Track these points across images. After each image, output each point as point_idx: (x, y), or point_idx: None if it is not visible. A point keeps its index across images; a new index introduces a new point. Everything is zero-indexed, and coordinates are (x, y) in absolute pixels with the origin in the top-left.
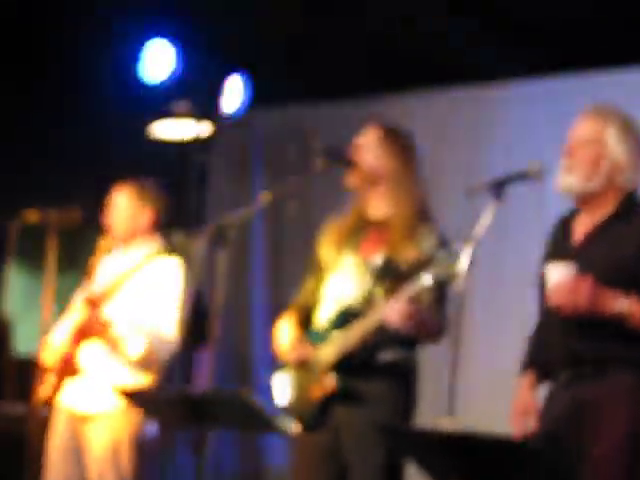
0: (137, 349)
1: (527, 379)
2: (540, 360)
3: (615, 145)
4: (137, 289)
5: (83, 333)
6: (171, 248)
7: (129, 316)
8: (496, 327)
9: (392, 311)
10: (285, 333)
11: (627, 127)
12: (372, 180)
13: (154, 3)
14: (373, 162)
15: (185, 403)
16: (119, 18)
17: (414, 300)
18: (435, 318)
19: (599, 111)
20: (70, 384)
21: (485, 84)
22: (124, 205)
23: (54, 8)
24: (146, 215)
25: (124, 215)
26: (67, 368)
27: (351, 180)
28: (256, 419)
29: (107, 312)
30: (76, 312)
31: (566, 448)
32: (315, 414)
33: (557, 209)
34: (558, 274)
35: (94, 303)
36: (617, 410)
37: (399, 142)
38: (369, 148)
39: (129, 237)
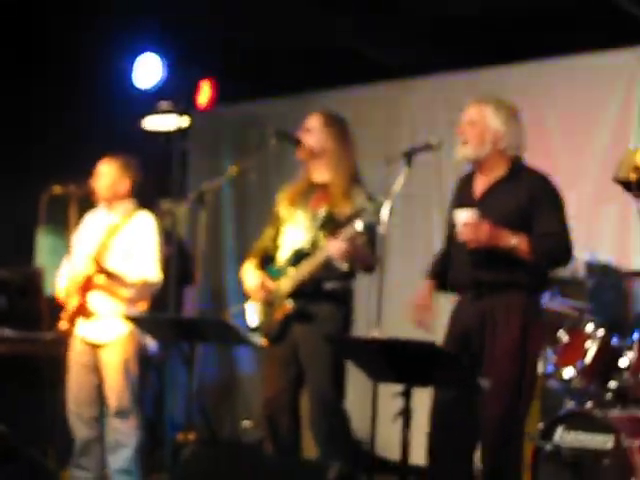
0: (131, 292)
1: (428, 284)
2: (439, 274)
3: (493, 119)
4: (123, 241)
5: (90, 282)
6: (161, 212)
7: (121, 264)
8: (408, 260)
9: (333, 247)
10: (249, 272)
11: (500, 105)
12: (316, 154)
13: (143, 23)
14: (317, 141)
15: (179, 325)
16: (115, 34)
17: (350, 240)
18: (368, 254)
19: (480, 99)
20: (84, 321)
21: (396, 79)
22: (109, 173)
23: (59, 25)
24: (126, 183)
25: (108, 181)
26: (80, 310)
27: (300, 154)
28: (234, 336)
29: (106, 263)
30: (82, 265)
31: (472, 348)
32: (277, 331)
33: (451, 176)
34: (464, 217)
35: (97, 259)
36: (510, 318)
37: (336, 125)
38: (313, 130)
39: (110, 200)
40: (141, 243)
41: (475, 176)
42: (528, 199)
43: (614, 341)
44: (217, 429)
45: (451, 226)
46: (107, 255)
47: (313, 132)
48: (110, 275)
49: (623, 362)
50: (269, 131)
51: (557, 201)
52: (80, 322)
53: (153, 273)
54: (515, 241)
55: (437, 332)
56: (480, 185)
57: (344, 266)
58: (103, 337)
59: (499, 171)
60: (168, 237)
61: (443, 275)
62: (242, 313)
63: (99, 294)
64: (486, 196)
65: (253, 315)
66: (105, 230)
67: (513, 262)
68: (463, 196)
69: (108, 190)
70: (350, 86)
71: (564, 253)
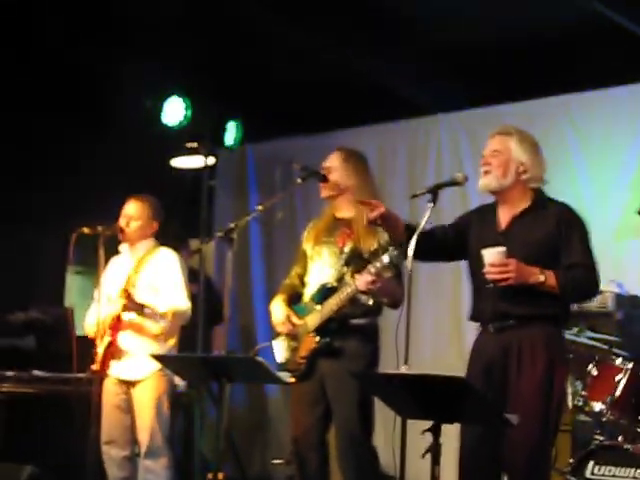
0: (162, 324)
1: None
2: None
3: (517, 150)
4: (148, 276)
5: (120, 321)
6: (190, 251)
7: (149, 298)
8: (436, 296)
9: (361, 281)
10: (277, 310)
11: (524, 137)
12: (340, 191)
13: (170, 62)
14: (339, 178)
15: (206, 364)
16: (144, 73)
17: (378, 274)
18: (395, 288)
19: (502, 130)
20: (116, 361)
21: (420, 115)
22: (139, 215)
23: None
24: (154, 225)
25: (138, 223)
26: (111, 350)
27: (324, 192)
28: (262, 374)
29: (136, 298)
30: (112, 303)
31: (496, 381)
32: (305, 368)
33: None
34: (491, 256)
35: (127, 293)
36: (535, 352)
37: (355, 160)
38: (335, 167)
39: (137, 240)
40: (166, 275)
41: (498, 208)
42: (556, 228)
43: None
44: (247, 468)
45: (475, 262)
46: (134, 291)
47: (334, 169)
48: (141, 307)
49: None
50: (295, 168)
51: (584, 231)
52: (112, 362)
53: (182, 302)
54: (543, 278)
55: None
56: (504, 216)
57: (370, 302)
58: (135, 375)
59: (523, 203)
60: (196, 275)
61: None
62: (270, 350)
63: (129, 333)
64: (511, 227)
65: (280, 352)
66: (130, 268)
67: (537, 295)
68: (486, 227)
69: (137, 232)
70: (375, 123)
71: (592, 285)
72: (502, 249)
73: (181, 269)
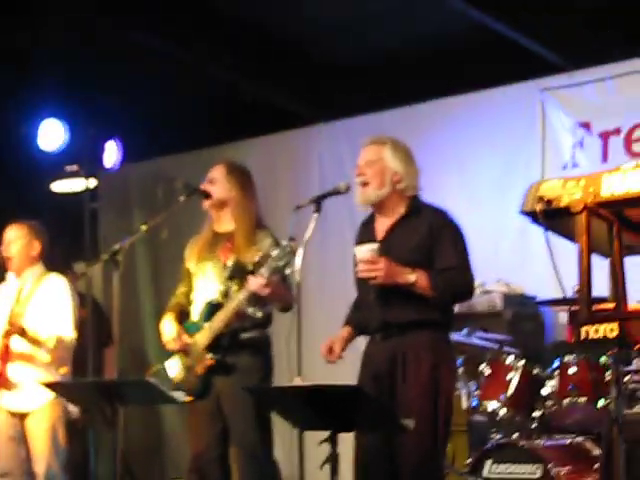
0: (47, 353)
1: (344, 331)
2: (355, 320)
3: (391, 160)
4: (36, 305)
5: (8, 351)
6: (75, 275)
7: (35, 326)
8: (326, 304)
9: (255, 283)
10: (167, 327)
11: (397, 146)
12: (220, 204)
13: (45, 85)
14: (221, 191)
15: (99, 389)
16: (18, 97)
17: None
18: (286, 290)
19: (376, 139)
20: (5, 392)
21: (301, 126)
22: (18, 239)
23: None
24: (36, 247)
25: (18, 247)
26: (0, 381)
27: (205, 205)
28: (157, 395)
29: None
30: None
31: (384, 388)
32: (200, 386)
33: (363, 216)
34: (362, 253)
35: (11, 321)
36: (420, 357)
37: (238, 173)
38: (217, 181)
39: (21, 266)
40: (53, 303)
41: (376, 218)
42: (428, 234)
43: (535, 371)
44: None
45: (355, 266)
46: (21, 320)
47: (216, 182)
48: (25, 333)
49: (545, 391)
50: (178, 186)
51: (456, 235)
52: (1, 393)
53: (67, 331)
54: (414, 277)
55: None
56: (381, 226)
57: (259, 314)
58: (27, 406)
59: (399, 211)
60: (83, 299)
61: (358, 321)
62: (164, 371)
63: (18, 363)
64: (388, 236)
65: (174, 371)
66: (17, 296)
67: (418, 301)
68: (365, 239)
69: (19, 254)
70: (256, 136)
71: (465, 287)
72: (374, 246)
73: (70, 296)
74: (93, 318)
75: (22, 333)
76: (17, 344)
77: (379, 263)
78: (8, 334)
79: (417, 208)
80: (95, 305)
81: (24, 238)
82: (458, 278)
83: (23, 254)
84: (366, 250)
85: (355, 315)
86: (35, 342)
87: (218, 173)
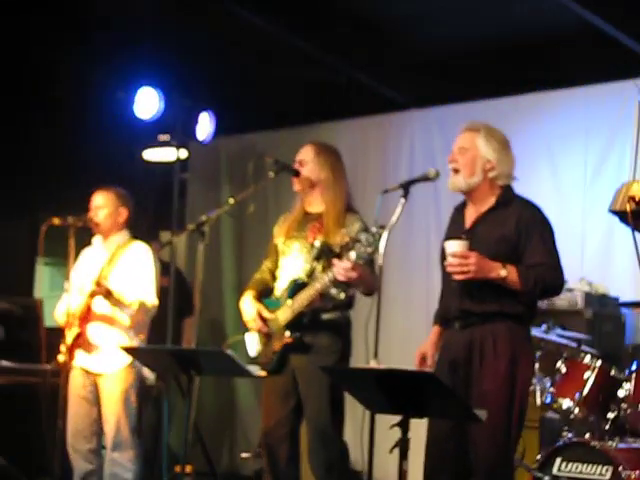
0: (128, 316)
1: (433, 333)
2: (441, 317)
3: (484, 148)
4: (120, 269)
5: (89, 313)
6: (160, 244)
7: (119, 290)
8: (406, 291)
9: (340, 267)
10: (247, 306)
11: (491, 133)
12: (311, 185)
13: (142, 54)
14: (311, 171)
15: (176, 357)
16: (115, 65)
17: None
18: (370, 275)
19: (470, 126)
20: (83, 353)
21: (393, 112)
22: (106, 204)
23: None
24: (123, 213)
25: (106, 212)
26: (79, 342)
27: (296, 186)
28: (233, 367)
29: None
30: (82, 294)
31: (461, 376)
32: (276, 362)
33: (448, 204)
34: (452, 249)
35: (97, 281)
36: (498, 348)
37: (328, 155)
38: (308, 161)
39: (108, 231)
40: (137, 269)
41: (467, 206)
42: (516, 227)
43: (612, 372)
44: (215, 461)
45: (443, 258)
46: (107, 282)
47: (306, 163)
48: (110, 295)
49: (621, 393)
50: (268, 162)
51: (546, 230)
52: (79, 354)
53: (149, 297)
54: (504, 272)
55: None
56: (471, 215)
57: (341, 296)
58: (103, 368)
59: (490, 200)
60: (166, 268)
61: (444, 313)
62: (241, 344)
63: (99, 325)
64: (475, 226)
65: (252, 346)
66: (102, 261)
67: (501, 292)
68: (455, 227)
69: (106, 220)
70: (348, 118)
71: (554, 283)
72: (464, 242)
73: (153, 264)
74: (175, 287)
75: (108, 294)
76: (99, 306)
77: (470, 258)
78: (93, 294)
79: (508, 199)
80: (178, 275)
81: (112, 204)
82: (548, 275)
83: (110, 220)
84: (457, 244)
85: (441, 311)
86: (119, 304)
87: (307, 154)
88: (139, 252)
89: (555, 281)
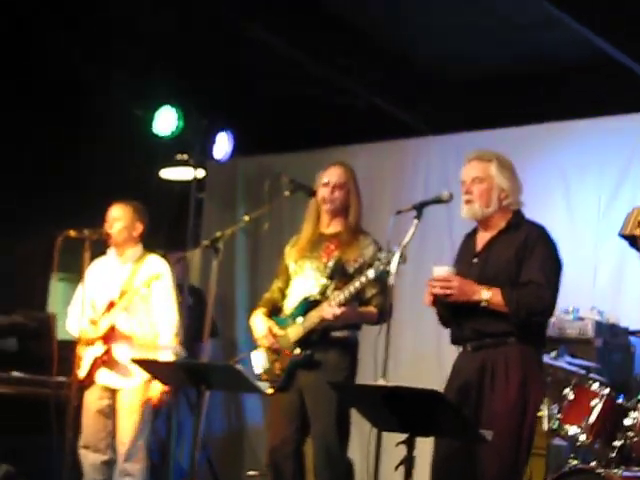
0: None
1: None
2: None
3: (498, 177)
4: (140, 288)
5: (114, 331)
6: (174, 258)
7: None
8: (417, 312)
9: (327, 313)
10: (258, 323)
11: (503, 162)
12: (343, 208)
13: (163, 73)
14: (345, 196)
15: (186, 370)
16: (136, 84)
17: (348, 301)
18: (366, 315)
19: (482, 155)
20: (106, 370)
21: (411, 136)
22: (123, 217)
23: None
24: (139, 227)
25: (122, 225)
26: (104, 359)
27: (330, 205)
28: (242, 383)
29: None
30: (106, 317)
31: (471, 399)
32: (284, 379)
33: (461, 226)
34: (438, 272)
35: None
36: (509, 372)
37: (355, 179)
38: (341, 185)
39: (123, 244)
40: (159, 297)
41: (478, 232)
42: (524, 246)
43: (619, 400)
44: (222, 478)
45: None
46: (127, 302)
47: (341, 187)
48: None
49: (628, 421)
50: (284, 181)
51: (548, 251)
52: (102, 371)
53: (174, 324)
54: (487, 295)
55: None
56: (482, 239)
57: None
58: (122, 384)
59: (501, 225)
60: (180, 287)
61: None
62: (249, 360)
63: (123, 343)
64: (486, 250)
65: (259, 363)
66: (121, 278)
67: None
68: (465, 252)
69: (121, 233)
70: (365, 142)
71: (541, 303)
72: (450, 268)
73: (170, 282)
74: (197, 307)
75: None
76: (121, 323)
77: (453, 281)
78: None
79: (518, 223)
80: (199, 294)
81: (128, 218)
82: (535, 294)
83: (125, 233)
84: (442, 270)
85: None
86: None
87: (340, 177)
88: (156, 266)
89: (541, 302)
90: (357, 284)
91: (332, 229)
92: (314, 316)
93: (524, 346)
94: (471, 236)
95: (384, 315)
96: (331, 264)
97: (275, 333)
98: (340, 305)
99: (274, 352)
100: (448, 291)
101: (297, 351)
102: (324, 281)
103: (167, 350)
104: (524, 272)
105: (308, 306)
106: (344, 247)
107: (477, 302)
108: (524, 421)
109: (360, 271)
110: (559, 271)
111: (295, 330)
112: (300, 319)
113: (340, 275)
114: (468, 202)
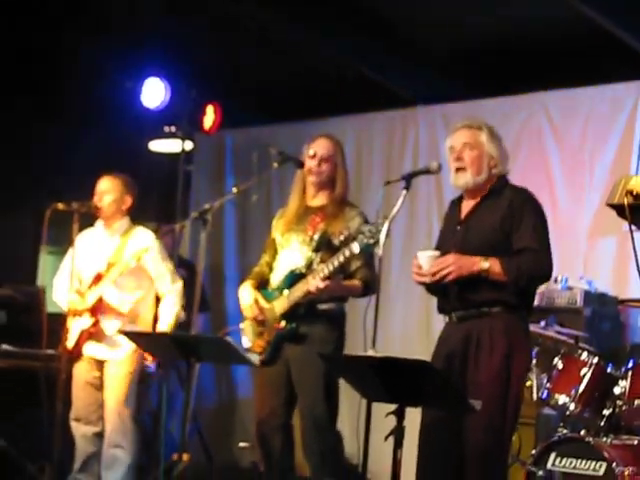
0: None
1: None
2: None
3: (488, 144)
4: (129, 260)
5: (102, 303)
6: (162, 230)
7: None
8: (406, 282)
9: (311, 286)
10: (245, 293)
11: (492, 131)
12: (330, 181)
13: (151, 45)
14: (332, 169)
15: (176, 343)
16: (124, 55)
17: (332, 274)
18: (350, 288)
19: (472, 123)
20: (94, 342)
21: (398, 109)
22: (113, 190)
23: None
24: (128, 200)
25: (112, 197)
26: (92, 332)
27: (317, 177)
28: (232, 355)
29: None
30: (93, 290)
31: (455, 369)
32: (270, 352)
33: (451, 196)
34: (426, 262)
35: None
36: (494, 341)
37: (342, 151)
38: (328, 157)
39: (111, 216)
40: (152, 263)
41: (463, 200)
42: (509, 212)
43: (609, 369)
44: (213, 450)
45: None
46: (115, 275)
47: (328, 159)
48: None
49: (617, 390)
50: (272, 153)
51: (537, 216)
52: (90, 343)
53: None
54: (486, 264)
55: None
56: (466, 207)
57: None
58: (109, 355)
59: (484, 190)
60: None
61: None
62: (238, 333)
63: (111, 315)
64: (469, 218)
65: (246, 335)
66: (109, 252)
67: (495, 284)
68: (449, 220)
69: (110, 206)
70: (353, 113)
71: (540, 269)
72: (435, 253)
73: (161, 251)
74: (189, 280)
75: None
76: (109, 295)
77: (447, 261)
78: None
79: (500, 187)
80: (190, 268)
81: (117, 190)
82: (534, 260)
83: (114, 206)
84: (427, 257)
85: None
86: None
87: (327, 150)
88: (143, 238)
89: (541, 267)
90: (341, 257)
91: (318, 201)
92: (299, 289)
93: (510, 315)
94: (456, 204)
95: (370, 287)
96: (317, 237)
97: (261, 306)
98: (324, 278)
99: (261, 324)
100: (445, 272)
101: (282, 324)
102: (310, 254)
103: (170, 313)
104: (517, 239)
105: (294, 279)
106: (330, 219)
107: (477, 273)
108: (508, 391)
109: (346, 243)
110: (548, 232)
111: (281, 303)
112: (286, 292)
113: (326, 248)
114: (459, 170)
